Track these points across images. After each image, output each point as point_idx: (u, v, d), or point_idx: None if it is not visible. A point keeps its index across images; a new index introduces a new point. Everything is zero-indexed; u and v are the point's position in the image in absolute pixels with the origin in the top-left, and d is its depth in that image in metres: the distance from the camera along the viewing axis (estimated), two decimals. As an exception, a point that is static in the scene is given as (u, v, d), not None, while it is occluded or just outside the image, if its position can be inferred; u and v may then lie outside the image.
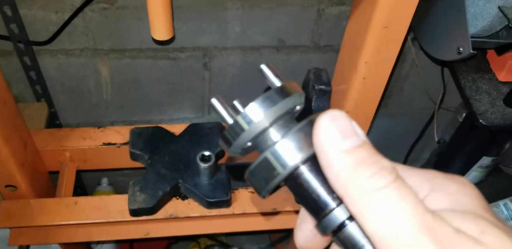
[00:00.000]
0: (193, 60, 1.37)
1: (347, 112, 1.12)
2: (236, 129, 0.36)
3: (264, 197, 0.38)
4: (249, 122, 0.35)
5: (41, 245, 1.24)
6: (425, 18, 1.20)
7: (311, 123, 0.34)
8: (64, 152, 1.25)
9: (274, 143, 0.35)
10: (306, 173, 0.35)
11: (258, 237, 2.02)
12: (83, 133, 1.27)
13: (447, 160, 1.50)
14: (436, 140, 1.56)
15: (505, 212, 1.42)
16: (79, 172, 1.40)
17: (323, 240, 0.38)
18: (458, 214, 0.31)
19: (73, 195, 1.24)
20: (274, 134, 0.37)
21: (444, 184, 0.34)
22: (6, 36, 1.21)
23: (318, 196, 0.35)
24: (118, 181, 1.74)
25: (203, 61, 1.38)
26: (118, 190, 1.73)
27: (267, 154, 0.35)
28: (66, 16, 1.20)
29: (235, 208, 1.16)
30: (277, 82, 0.39)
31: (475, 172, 1.43)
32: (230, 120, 0.38)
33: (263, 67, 0.39)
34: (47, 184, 1.28)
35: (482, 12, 1.02)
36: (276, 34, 1.34)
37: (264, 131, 0.37)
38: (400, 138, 1.77)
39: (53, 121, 1.45)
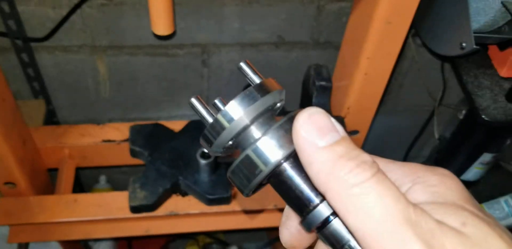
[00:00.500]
0: (191, 57, 1.36)
1: (348, 108, 1.12)
2: (217, 128, 0.36)
3: (247, 196, 0.37)
4: (230, 120, 0.35)
5: (40, 242, 1.24)
6: (428, 13, 1.20)
7: (292, 120, 0.34)
8: (63, 149, 1.24)
9: (256, 141, 0.35)
10: (289, 169, 0.35)
11: (256, 235, 2.02)
12: (82, 130, 1.27)
13: (447, 156, 1.50)
14: (437, 136, 1.56)
15: (506, 208, 1.42)
16: (76, 170, 1.39)
17: (309, 237, 0.38)
18: (440, 206, 0.31)
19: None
20: (255, 131, 0.36)
21: (426, 176, 0.34)
22: (3, 32, 1.20)
23: (302, 193, 0.35)
24: (116, 179, 1.73)
25: (202, 58, 1.37)
26: (116, 187, 1.72)
27: (249, 152, 0.35)
28: (64, 12, 1.19)
29: (235, 205, 1.15)
30: (257, 80, 0.39)
31: (476, 168, 1.43)
32: (210, 120, 0.37)
33: (242, 65, 0.39)
34: (46, 181, 1.28)
35: (485, 7, 1.02)
36: (275, 31, 1.34)
37: (245, 129, 0.36)
38: (400, 135, 1.77)
39: (51, 119, 1.44)
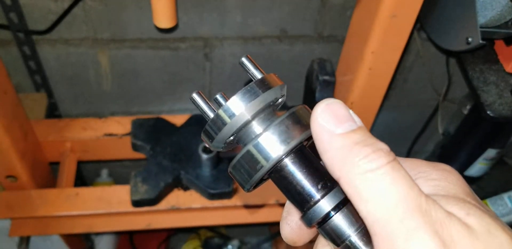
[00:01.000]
0: (193, 50, 1.35)
1: (352, 103, 1.11)
2: (218, 123, 0.36)
3: (248, 191, 0.37)
4: (231, 115, 0.35)
5: (41, 236, 1.24)
6: (433, 7, 1.18)
7: (293, 115, 0.35)
8: (65, 142, 1.24)
9: (257, 136, 0.35)
10: (290, 165, 0.35)
11: (258, 229, 2.01)
12: (84, 124, 1.26)
13: (451, 152, 1.49)
14: (441, 132, 1.55)
15: (510, 204, 1.41)
16: (78, 164, 1.39)
17: (309, 232, 0.38)
18: (442, 197, 0.31)
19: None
20: (256, 127, 0.36)
21: (428, 171, 0.34)
22: (5, 25, 1.19)
23: (303, 188, 0.35)
24: (117, 173, 1.73)
25: (204, 51, 1.36)
26: (118, 181, 1.72)
27: (250, 147, 0.35)
28: (66, 5, 1.18)
29: (237, 199, 1.15)
30: (258, 75, 0.38)
31: (480, 164, 1.42)
32: (211, 115, 0.37)
33: (244, 60, 0.39)
34: (48, 175, 1.27)
35: (492, 2, 1.01)
36: (278, 24, 1.32)
37: (246, 124, 0.36)
38: (404, 130, 1.76)
39: (52, 112, 1.43)
